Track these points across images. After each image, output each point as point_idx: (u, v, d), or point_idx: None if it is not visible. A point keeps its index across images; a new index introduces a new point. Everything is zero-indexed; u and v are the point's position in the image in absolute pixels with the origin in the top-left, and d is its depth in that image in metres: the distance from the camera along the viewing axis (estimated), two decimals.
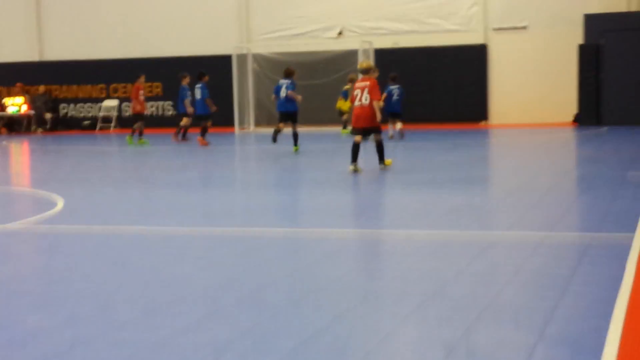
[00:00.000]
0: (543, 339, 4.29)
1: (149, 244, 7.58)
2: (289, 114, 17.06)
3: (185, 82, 20.81)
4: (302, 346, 4.30)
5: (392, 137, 19.72)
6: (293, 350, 4.23)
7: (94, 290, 5.70)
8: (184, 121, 20.89)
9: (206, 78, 20.23)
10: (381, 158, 12.91)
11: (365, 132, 12.62)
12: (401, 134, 19.85)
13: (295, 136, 16.94)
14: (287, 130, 17.41)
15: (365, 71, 12.59)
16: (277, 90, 17.25)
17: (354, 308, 5.08)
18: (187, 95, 20.70)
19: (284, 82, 17.12)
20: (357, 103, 12.38)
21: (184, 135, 21.15)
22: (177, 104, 21.33)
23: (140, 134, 20.69)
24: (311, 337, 4.45)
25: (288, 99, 16.95)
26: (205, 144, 19.37)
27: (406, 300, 5.20)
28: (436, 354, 4.12)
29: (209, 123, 19.97)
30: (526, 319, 4.68)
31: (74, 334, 4.66)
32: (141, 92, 21.09)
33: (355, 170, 12.45)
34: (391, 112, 20.01)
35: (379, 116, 12.44)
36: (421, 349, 4.26)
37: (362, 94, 12.26)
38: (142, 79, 21.31)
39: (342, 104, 22.62)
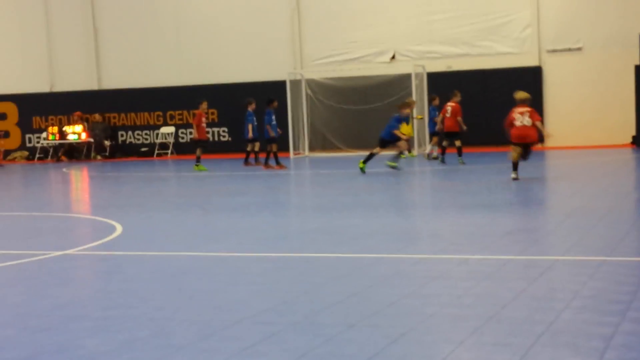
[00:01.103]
0: None
1: (204, 268, 7.65)
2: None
3: (251, 108, 21.01)
4: None
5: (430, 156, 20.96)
6: None
7: (151, 315, 5.78)
8: (257, 146, 21.14)
9: (274, 104, 20.62)
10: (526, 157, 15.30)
11: (526, 145, 15.07)
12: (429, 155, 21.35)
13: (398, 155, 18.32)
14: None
15: (524, 101, 15.29)
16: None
17: (409, 332, 5.05)
18: (252, 121, 20.87)
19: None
20: (518, 124, 14.97)
21: (255, 159, 21.39)
22: (244, 130, 21.44)
23: (198, 160, 20.95)
24: None
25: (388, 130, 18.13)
26: (272, 167, 20.17)
27: (462, 325, 5.16)
28: None
29: (274, 147, 20.32)
30: (585, 344, 4.61)
31: (131, 357, 4.72)
32: (203, 118, 21.33)
33: (516, 178, 14.68)
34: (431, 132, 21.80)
35: (543, 131, 15.41)
36: None
37: (523, 118, 14.95)
38: (205, 105, 21.51)
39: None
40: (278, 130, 20.79)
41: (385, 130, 18.12)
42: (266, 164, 20.40)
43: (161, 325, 5.46)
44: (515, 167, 14.88)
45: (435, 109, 21.70)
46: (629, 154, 21.12)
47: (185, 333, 5.24)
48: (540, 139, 15.74)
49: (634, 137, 23.50)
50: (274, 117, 20.59)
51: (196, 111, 21.59)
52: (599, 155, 20.69)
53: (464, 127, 19.77)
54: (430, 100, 22.18)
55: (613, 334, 4.79)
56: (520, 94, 15.45)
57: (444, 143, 20.19)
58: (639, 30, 23.22)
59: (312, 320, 5.43)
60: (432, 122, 21.67)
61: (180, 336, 5.17)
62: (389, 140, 18.00)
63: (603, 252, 7.57)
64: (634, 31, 23.31)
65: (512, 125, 15.02)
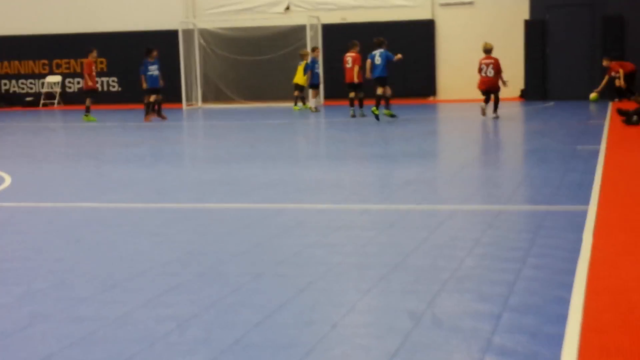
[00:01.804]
0: (507, 308, 4.32)
1: (102, 220, 7.44)
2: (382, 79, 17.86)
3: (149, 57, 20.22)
4: (267, 319, 4.26)
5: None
6: (259, 323, 4.19)
7: (49, 267, 5.57)
8: (153, 97, 20.29)
9: (154, 54, 19.86)
10: (495, 109, 17.59)
11: (488, 92, 17.49)
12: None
13: (387, 100, 17.94)
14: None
15: (488, 51, 17.42)
16: (372, 57, 18.06)
17: (316, 281, 5.05)
18: (147, 71, 20.03)
19: (378, 51, 17.90)
20: (483, 74, 17.43)
21: (158, 112, 20.76)
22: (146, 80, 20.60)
23: (88, 110, 20.31)
24: (276, 310, 4.41)
25: (384, 65, 17.76)
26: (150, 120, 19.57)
27: (368, 273, 5.19)
28: (403, 324, 4.12)
29: (151, 98, 19.71)
30: (489, 290, 4.70)
31: (32, 310, 4.54)
32: (93, 67, 20.58)
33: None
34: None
35: (504, 84, 17.55)
36: (388, 320, 4.25)
37: (487, 69, 17.31)
38: (94, 54, 20.71)
39: (300, 79, 22.29)
40: (160, 81, 19.99)
41: (380, 69, 17.72)
42: (147, 116, 19.76)
43: (61, 278, 5.27)
44: (485, 106, 17.50)
45: (315, 61, 22.14)
46: (517, 107, 21.71)
47: (87, 285, 5.08)
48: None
49: (522, 91, 24.17)
50: (153, 68, 19.74)
51: (85, 60, 20.85)
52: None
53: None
54: (312, 51, 22.50)
55: (515, 279, 4.91)
56: (485, 45, 17.52)
57: (351, 95, 19.50)
58: None
59: (218, 271, 5.36)
60: (315, 75, 21.96)
61: (82, 288, 5.01)
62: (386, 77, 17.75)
63: (500, 201, 7.76)
64: None
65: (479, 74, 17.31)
